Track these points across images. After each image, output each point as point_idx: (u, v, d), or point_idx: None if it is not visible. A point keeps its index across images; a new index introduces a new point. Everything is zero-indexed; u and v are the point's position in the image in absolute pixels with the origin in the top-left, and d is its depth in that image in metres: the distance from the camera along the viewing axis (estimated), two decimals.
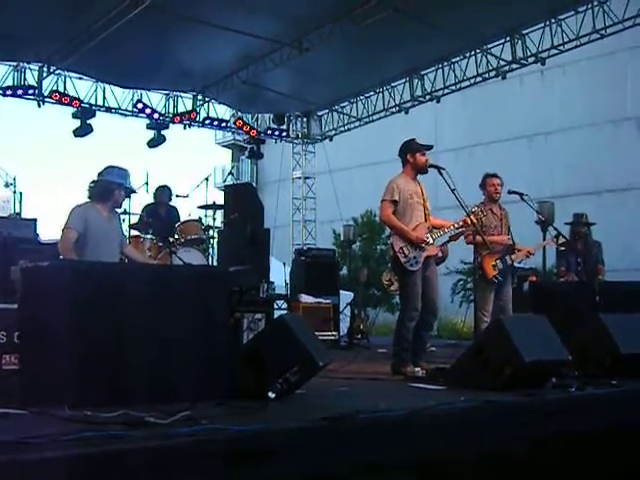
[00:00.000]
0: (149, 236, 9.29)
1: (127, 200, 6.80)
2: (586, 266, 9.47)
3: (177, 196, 10.74)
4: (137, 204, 10.41)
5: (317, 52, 12.52)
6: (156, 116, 15.46)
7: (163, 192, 10.65)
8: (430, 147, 7.06)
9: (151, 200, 10.62)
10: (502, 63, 13.58)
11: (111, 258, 6.06)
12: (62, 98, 14.10)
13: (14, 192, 10.00)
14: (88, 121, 14.69)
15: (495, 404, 4.54)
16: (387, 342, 9.90)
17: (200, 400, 4.06)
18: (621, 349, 5.95)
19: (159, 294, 4.51)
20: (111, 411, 3.63)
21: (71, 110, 14.48)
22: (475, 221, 7.20)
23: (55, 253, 7.50)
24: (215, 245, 10.43)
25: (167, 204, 10.68)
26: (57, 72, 13.97)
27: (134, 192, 6.82)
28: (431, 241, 6.88)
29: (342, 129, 17.59)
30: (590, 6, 12.08)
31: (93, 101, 14.90)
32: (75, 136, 14.82)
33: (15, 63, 13.78)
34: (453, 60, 14.22)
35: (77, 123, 14.66)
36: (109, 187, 6.19)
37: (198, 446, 3.17)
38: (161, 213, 10.43)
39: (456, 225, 7.13)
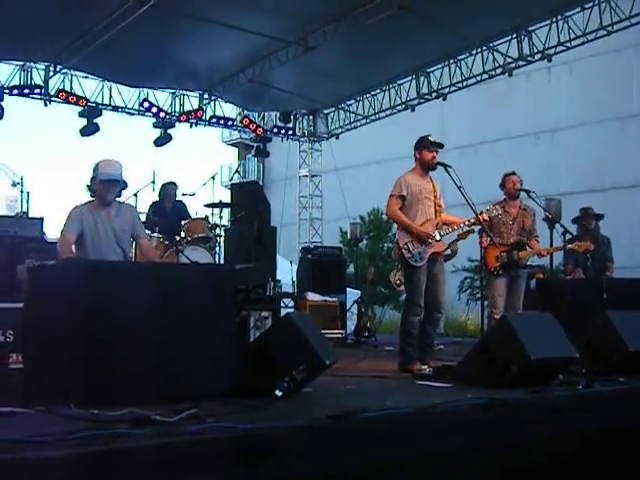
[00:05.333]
0: (156, 235, 9.32)
1: (121, 192, 6.51)
2: (594, 262, 9.41)
3: (184, 194, 10.76)
4: (143, 203, 10.43)
5: (323, 50, 12.50)
6: (162, 115, 15.46)
7: (169, 188, 10.65)
8: (440, 145, 7.03)
9: (156, 198, 10.63)
10: (508, 60, 13.53)
11: (112, 256, 6.05)
12: (68, 97, 14.10)
13: (21, 192, 10.03)
14: (94, 120, 14.69)
15: (502, 402, 4.52)
16: (394, 340, 9.91)
17: (206, 398, 4.06)
18: (629, 346, 5.94)
19: (165, 293, 4.51)
20: (117, 409, 3.63)
21: (77, 109, 14.50)
22: (487, 219, 7.19)
23: None
24: (222, 243, 10.45)
25: (174, 200, 10.69)
26: (63, 71, 13.99)
27: (114, 180, 6.12)
28: (438, 237, 6.86)
29: (348, 127, 17.56)
30: (597, 2, 12.02)
31: (99, 100, 14.91)
32: (82, 135, 14.83)
33: (22, 62, 13.80)
34: (459, 57, 14.18)
35: (83, 122, 14.67)
36: (91, 184, 6.20)
37: (204, 444, 3.17)
38: (167, 209, 10.44)
39: (467, 223, 7.11)
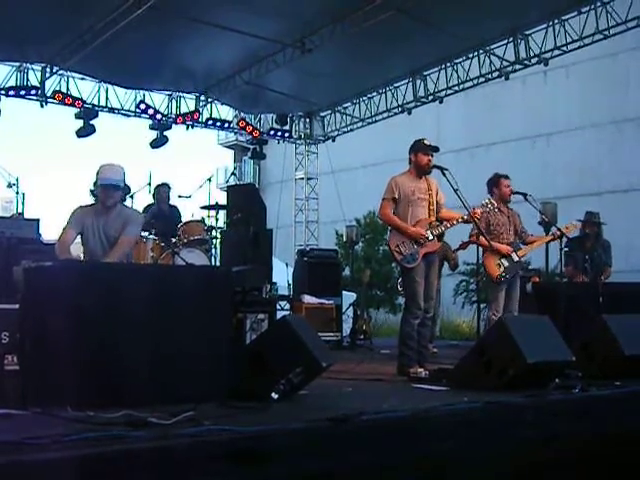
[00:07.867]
0: (151, 237, 9.30)
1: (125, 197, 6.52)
2: (592, 266, 9.40)
3: (179, 196, 10.78)
4: (138, 204, 10.42)
5: (320, 52, 12.51)
6: (159, 117, 15.46)
7: (161, 190, 10.66)
8: (436, 149, 7.02)
9: (151, 200, 10.64)
10: (505, 64, 13.57)
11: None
12: (65, 98, 14.11)
13: (17, 193, 10.02)
14: (91, 122, 14.69)
15: (498, 405, 4.52)
16: (390, 343, 9.90)
17: (203, 401, 4.05)
18: (625, 350, 5.94)
19: (162, 295, 4.50)
20: (113, 412, 3.62)
21: (74, 110, 14.50)
22: (480, 213, 7.17)
23: None
24: (218, 245, 10.44)
25: (167, 201, 10.71)
26: (60, 72, 13.99)
27: (112, 185, 6.04)
28: (431, 237, 6.84)
29: (345, 130, 17.58)
30: (593, 6, 12.06)
31: (96, 102, 14.92)
32: (78, 136, 14.82)
33: (18, 63, 13.80)
34: (456, 61, 14.21)
35: (80, 123, 14.67)
36: (94, 189, 6.20)
37: (200, 447, 3.16)
38: (164, 212, 10.45)
39: (461, 220, 7.07)
